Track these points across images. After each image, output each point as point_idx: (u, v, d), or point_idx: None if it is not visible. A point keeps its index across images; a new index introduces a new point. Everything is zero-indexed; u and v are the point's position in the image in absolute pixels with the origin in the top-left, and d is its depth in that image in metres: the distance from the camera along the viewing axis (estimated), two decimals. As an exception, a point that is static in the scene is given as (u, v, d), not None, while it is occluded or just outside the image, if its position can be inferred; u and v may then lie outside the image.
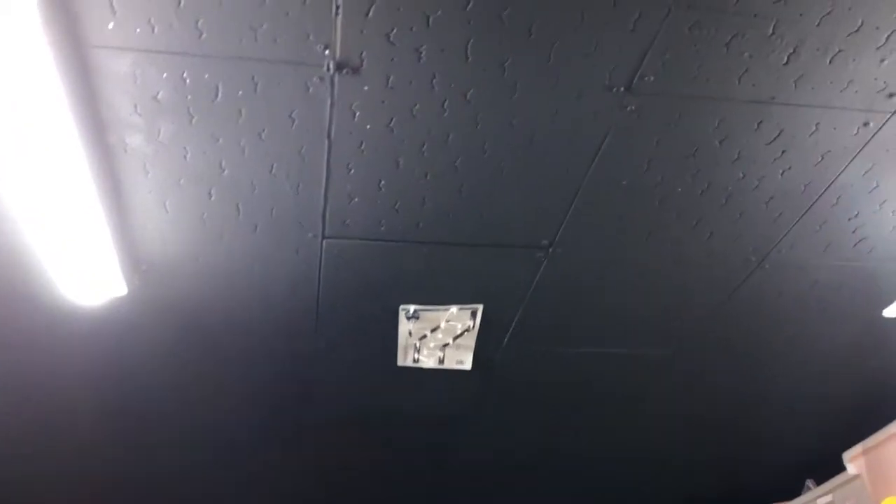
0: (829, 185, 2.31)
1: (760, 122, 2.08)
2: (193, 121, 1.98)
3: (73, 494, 3.79)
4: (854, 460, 3.54)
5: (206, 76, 1.87)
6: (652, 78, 1.93)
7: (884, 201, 2.38)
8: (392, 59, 1.85)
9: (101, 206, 2.17)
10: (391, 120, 2.01)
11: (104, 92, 1.89)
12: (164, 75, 1.86)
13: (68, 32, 1.73)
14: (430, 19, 1.76)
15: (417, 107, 1.98)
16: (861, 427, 3.46)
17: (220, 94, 1.92)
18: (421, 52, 1.84)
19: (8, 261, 2.37)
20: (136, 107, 1.93)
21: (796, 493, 4.01)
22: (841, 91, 2.00)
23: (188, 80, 1.87)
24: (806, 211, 2.40)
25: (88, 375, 2.93)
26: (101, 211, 2.18)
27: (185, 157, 2.08)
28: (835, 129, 2.11)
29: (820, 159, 2.21)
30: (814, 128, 2.11)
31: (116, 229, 2.29)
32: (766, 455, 4.09)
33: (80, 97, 1.88)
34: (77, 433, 3.30)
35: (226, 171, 2.14)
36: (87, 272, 2.38)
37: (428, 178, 2.20)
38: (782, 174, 2.26)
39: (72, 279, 2.40)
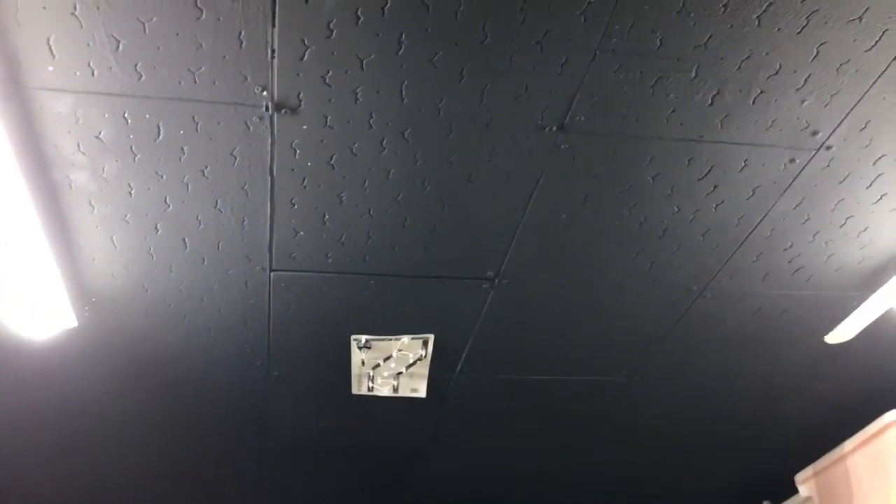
0: (763, 218, 2.38)
1: (691, 158, 2.15)
2: (136, 159, 2.02)
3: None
4: (806, 482, 3.61)
5: (147, 116, 1.91)
6: (583, 118, 2.00)
7: (816, 233, 2.45)
8: (329, 100, 1.91)
9: (49, 241, 2.20)
10: (332, 157, 2.06)
11: (47, 131, 1.93)
12: (106, 115, 1.90)
13: (9, 75, 1.77)
14: (364, 63, 1.82)
15: (357, 144, 2.03)
16: (815, 448, 3.55)
17: (161, 133, 1.96)
18: (357, 93, 1.90)
19: (-44, 294, 2.38)
20: (79, 145, 1.97)
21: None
22: (766, 129, 2.07)
23: (129, 120, 1.92)
24: (742, 243, 2.48)
25: (41, 407, 2.93)
26: (49, 246, 2.21)
27: (129, 193, 2.12)
28: (763, 165, 2.19)
29: (751, 193, 2.29)
30: (743, 164, 2.18)
31: (65, 263, 2.32)
32: (724, 476, 4.14)
33: (23, 136, 1.92)
34: (31, 467, 3.28)
35: (171, 207, 2.18)
36: (36, 306, 2.40)
37: (371, 212, 2.25)
38: (716, 208, 2.33)
39: (22, 314, 2.42)
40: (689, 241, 2.46)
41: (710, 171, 2.20)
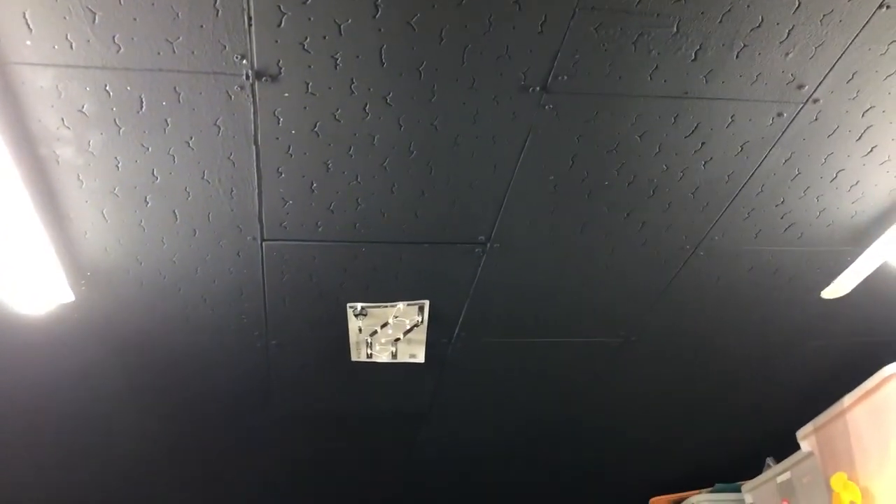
0: (752, 174, 2.37)
1: (677, 115, 2.14)
2: (121, 132, 2.03)
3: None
4: (807, 438, 3.63)
5: (129, 88, 1.91)
6: (566, 77, 1.99)
7: (807, 188, 2.44)
8: (309, 66, 1.90)
9: (40, 217, 2.22)
10: (315, 124, 2.06)
11: (31, 107, 1.93)
12: (87, 89, 1.90)
13: (-12, 51, 1.78)
14: (342, 27, 1.81)
15: (339, 111, 2.03)
16: (816, 404, 3.55)
17: (144, 106, 1.96)
18: (337, 59, 1.89)
19: (-47, 272, 2.41)
20: (63, 120, 1.97)
21: (758, 472, 4.11)
22: (751, 84, 2.06)
23: (111, 93, 1.92)
24: (732, 199, 2.47)
25: (41, 382, 2.97)
26: (40, 222, 2.23)
27: (116, 166, 2.13)
28: (750, 120, 2.17)
29: (739, 150, 2.27)
30: (730, 119, 2.17)
31: (57, 239, 2.34)
32: (726, 435, 4.18)
33: (7, 113, 1.93)
34: (30, 441, 3.34)
35: (158, 179, 2.19)
36: (32, 282, 2.42)
37: (358, 179, 2.25)
38: (704, 165, 2.32)
39: (18, 290, 2.44)
40: (679, 200, 2.45)
41: (696, 127, 2.18)
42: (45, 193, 2.18)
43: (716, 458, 4.39)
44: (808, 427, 3.59)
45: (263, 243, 2.46)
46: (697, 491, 4.06)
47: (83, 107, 1.95)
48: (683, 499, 4.13)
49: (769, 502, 3.54)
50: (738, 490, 3.92)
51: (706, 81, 2.04)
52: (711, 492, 4.01)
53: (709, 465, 4.45)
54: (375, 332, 3.00)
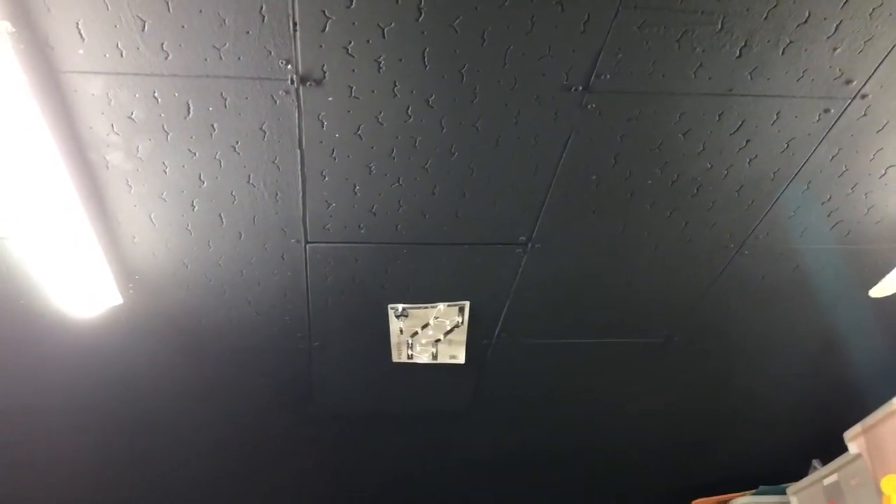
0: (798, 172, 2.34)
1: (721, 113, 2.12)
2: (169, 137, 2.06)
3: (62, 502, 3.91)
4: (855, 439, 3.56)
5: (176, 94, 1.95)
6: (608, 76, 1.98)
7: (855, 184, 2.40)
8: (353, 70, 1.92)
9: (90, 221, 2.27)
10: (359, 127, 2.08)
11: (82, 114, 1.98)
12: (137, 95, 1.94)
13: (42, 61, 1.82)
14: (385, 31, 1.83)
15: (382, 114, 2.04)
16: (864, 405, 3.49)
17: (191, 111, 2.00)
18: (380, 63, 1.91)
19: (8, 278, 2.48)
20: (112, 126, 2.02)
21: (804, 474, 4.04)
22: (797, 80, 2.03)
23: (160, 99, 1.96)
24: (778, 197, 2.44)
25: (90, 385, 3.04)
26: (90, 226, 2.28)
27: (164, 171, 2.17)
28: (796, 117, 2.14)
29: (785, 146, 2.24)
30: (775, 116, 2.14)
31: (107, 242, 2.39)
32: (771, 437, 4.11)
33: (59, 120, 1.97)
34: (81, 441, 3.41)
35: (205, 184, 2.22)
36: (82, 285, 2.48)
37: (400, 181, 2.27)
38: (749, 163, 2.29)
39: (69, 293, 2.50)
40: (723, 198, 2.43)
41: (741, 125, 2.16)
42: (95, 198, 2.23)
43: (759, 460, 4.32)
44: (857, 428, 3.53)
45: (307, 246, 2.49)
46: (741, 493, 4.02)
47: (132, 113, 1.99)
48: (726, 501, 4.08)
49: (816, 505, 3.49)
50: (783, 493, 3.86)
51: (751, 78, 2.02)
52: (755, 494, 3.96)
53: (752, 467, 4.38)
54: (416, 333, 3.01)
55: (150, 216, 2.32)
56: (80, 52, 1.82)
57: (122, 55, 1.83)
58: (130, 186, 2.21)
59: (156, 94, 1.94)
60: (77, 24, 1.75)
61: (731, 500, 4.05)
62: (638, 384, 3.48)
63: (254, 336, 2.89)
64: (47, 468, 3.55)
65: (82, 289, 2.49)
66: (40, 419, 3.20)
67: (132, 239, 2.40)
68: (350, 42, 1.85)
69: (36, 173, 2.05)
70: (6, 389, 3.00)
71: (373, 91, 1.98)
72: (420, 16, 1.79)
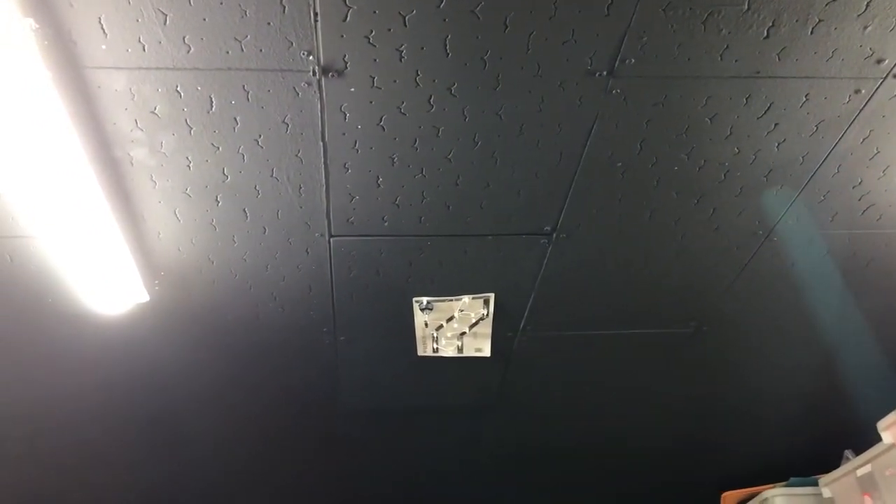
0: (828, 155, 2.30)
1: (749, 96, 2.08)
2: (192, 132, 2.07)
3: (94, 495, 3.93)
4: (889, 429, 3.49)
5: (199, 88, 1.95)
6: (633, 60, 1.95)
7: (887, 167, 2.35)
8: (374, 60, 1.91)
9: (116, 218, 2.28)
10: (381, 118, 2.07)
11: (106, 110, 1.98)
12: (159, 90, 1.94)
13: (66, 57, 1.83)
14: (407, 19, 1.81)
15: (405, 104, 2.03)
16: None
17: (214, 105, 2.00)
18: (402, 52, 1.89)
19: (35, 277, 2.50)
20: (136, 122, 2.02)
21: (836, 465, 3.98)
22: (827, 60, 1.99)
23: (182, 94, 1.96)
24: (807, 182, 2.39)
25: (117, 380, 3.06)
26: (116, 223, 2.29)
27: (188, 166, 2.17)
28: (826, 98, 2.10)
29: (815, 129, 2.20)
30: (804, 98, 2.10)
31: (132, 239, 2.40)
32: (801, 427, 4.05)
33: (83, 116, 1.98)
34: (112, 436, 3.44)
35: (229, 178, 2.22)
36: (109, 283, 2.49)
37: (424, 172, 2.25)
38: (778, 146, 2.25)
39: (95, 291, 2.51)
40: (751, 183, 2.39)
41: (769, 108, 2.12)
42: (120, 195, 2.24)
43: (790, 451, 4.26)
44: (891, 417, 3.46)
45: (331, 239, 2.48)
46: (771, 485, 3.96)
47: (155, 108, 1.99)
48: (756, 493, 4.02)
49: (849, 497, 3.43)
50: (815, 484, 3.80)
51: (779, 59, 1.98)
52: (786, 486, 3.90)
53: (782, 458, 4.32)
54: (441, 326, 3.00)
55: (174, 212, 2.32)
56: (103, 47, 1.82)
57: (144, 49, 1.83)
58: (155, 182, 2.21)
59: (178, 89, 1.94)
60: (99, 18, 1.75)
61: (760, 492, 3.99)
62: (666, 375, 3.44)
63: (279, 331, 2.90)
64: (75, 463, 3.58)
65: (109, 286, 2.51)
66: (68, 414, 3.23)
67: (157, 235, 2.41)
68: (371, 31, 1.83)
69: (61, 172, 2.07)
70: (35, 385, 3.03)
71: (395, 81, 1.97)
72: (441, 2, 1.77)
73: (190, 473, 3.83)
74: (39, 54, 1.77)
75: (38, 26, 1.73)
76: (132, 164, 2.15)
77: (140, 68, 1.88)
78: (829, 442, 4.07)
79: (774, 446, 4.21)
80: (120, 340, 2.83)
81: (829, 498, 3.67)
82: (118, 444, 3.49)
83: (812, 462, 4.18)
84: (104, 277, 2.47)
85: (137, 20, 1.76)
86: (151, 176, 2.19)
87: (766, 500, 3.89)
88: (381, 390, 3.40)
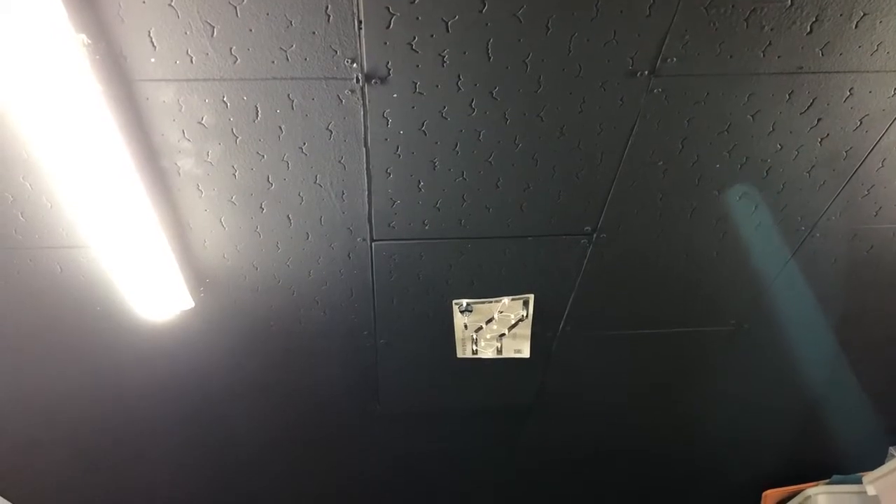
0: (872, 149, 2.27)
1: (791, 92, 2.07)
2: (238, 141, 2.10)
3: (144, 498, 3.99)
4: (935, 425, 3.46)
5: (245, 98, 1.98)
6: (675, 60, 1.95)
7: (932, 160, 2.33)
8: (417, 66, 1.93)
9: (162, 227, 2.32)
10: (423, 123, 2.09)
11: (153, 121, 2.02)
12: (206, 101, 1.98)
13: (116, 71, 1.87)
14: (449, 25, 1.83)
15: (446, 108, 2.05)
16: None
17: (259, 114, 2.03)
18: (444, 57, 1.91)
19: (85, 285, 2.55)
20: (183, 132, 2.06)
21: (880, 462, 3.93)
22: (871, 54, 1.97)
23: (228, 104, 1.99)
24: (850, 177, 2.37)
25: (163, 386, 3.10)
26: (163, 232, 2.33)
27: (234, 175, 2.21)
28: (870, 92, 2.08)
29: (858, 124, 2.18)
30: (848, 93, 2.08)
31: (179, 248, 2.44)
32: (844, 425, 4.00)
33: (132, 128, 2.02)
34: (154, 440, 3.49)
35: (273, 186, 2.26)
36: (156, 291, 2.53)
37: (464, 175, 2.27)
38: (821, 142, 2.24)
39: (143, 299, 2.56)
40: (794, 180, 2.37)
41: (812, 103, 2.11)
42: (168, 205, 2.28)
43: (833, 449, 4.21)
44: (937, 413, 3.42)
45: (373, 244, 2.51)
46: (814, 483, 3.92)
47: (202, 119, 2.03)
48: (799, 491, 3.99)
49: (895, 494, 3.38)
50: (859, 482, 3.76)
51: (822, 55, 1.97)
52: (829, 483, 3.86)
53: (825, 456, 4.28)
54: (481, 328, 3.01)
55: (220, 220, 2.36)
56: (152, 60, 1.86)
57: (191, 61, 1.87)
58: (201, 191, 2.25)
59: (225, 99, 1.98)
60: (149, 32, 1.79)
61: (803, 490, 3.96)
62: (706, 374, 3.42)
63: (322, 336, 2.93)
64: (124, 466, 3.63)
65: (155, 294, 2.55)
66: (115, 419, 3.28)
67: (203, 243, 2.44)
68: (414, 38, 1.85)
69: (110, 183, 2.11)
70: (85, 392, 3.08)
71: (437, 86, 1.99)
72: (484, 7, 1.79)
73: (232, 476, 3.88)
74: (91, 69, 1.82)
75: (90, 42, 1.78)
76: (179, 174, 2.19)
77: (188, 80, 1.92)
78: (874, 439, 4.02)
79: (818, 444, 4.16)
80: (165, 347, 2.88)
81: (874, 496, 3.62)
82: (162, 447, 3.53)
83: (856, 460, 4.14)
84: (151, 285, 2.51)
85: (186, 33, 1.80)
86: (198, 185, 2.23)
87: (808, 498, 3.86)
88: (421, 393, 3.42)
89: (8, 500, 3.78)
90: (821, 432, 4.07)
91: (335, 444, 3.70)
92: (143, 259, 2.40)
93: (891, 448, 3.98)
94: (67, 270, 2.48)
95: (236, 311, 2.75)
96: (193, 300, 2.65)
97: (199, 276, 2.58)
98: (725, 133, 2.18)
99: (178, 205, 2.30)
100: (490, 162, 2.23)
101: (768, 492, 4.23)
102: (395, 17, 1.80)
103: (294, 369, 3.10)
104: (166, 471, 3.73)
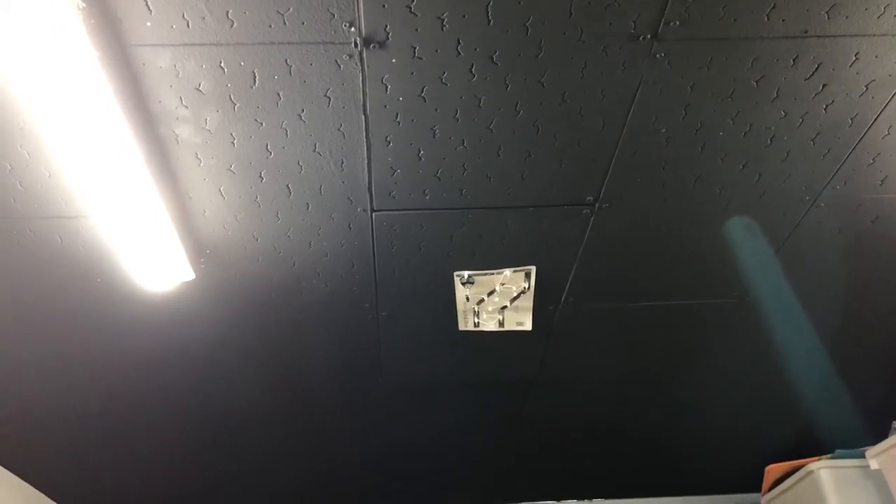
0: (878, 116, 2.24)
1: (796, 57, 2.04)
2: (236, 108, 2.08)
3: (144, 469, 4.01)
4: (939, 399, 3.44)
5: (242, 63, 1.96)
6: (677, 23, 1.92)
7: (939, 127, 2.30)
8: (416, 30, 1.90)
9: (162, 197, 2.31)
10: (422, 89, 2.06)
11: (151, 88, 2.01)
12: (203, 66, 1.96)
13: (112, 35, 1.85)
14: (448, -14, 1.80)
15: (446, 74, 2.02)
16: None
17: (257, 80, 2.01)
18: (443, 20, 1.88)
19: (86, 256, 2.54)
20: (181, 99, 2.04)
21: (883, 436, 3.92)
22: (878, 17, 1.94)
23: (226, 69, 1.97)
24: (856, 144, 2.34)
25: (163, 357, 3.10)
26: (162, 202, 2.32)
27: (232, 143, 2.19)
28: (876, 56, 2.05)
29: (864, 90, 2.15)
30: (853, 58, 2.05)
31: (179, 218, 2.43)
32: (846, 398, 3.99)
33: (129, 95, 2.01)
34: (153, 412, 3.50)
35: (272, 154, 2.24)
36: (156, 261, 2.53)
37: (465, 144, 2.25)
38: (826, 109, 2.21)
39: (143, 269, 2.55)
40: (798, 148, 2.35)
41: (817, 68, 2.08)
42: (166, 173, 2.27)
43: (835, 423, 4.21)
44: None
45: (373, 214, 2.49)
46: (816, 458, 3.91)
47: (200, 85, 2.01)
48: (801, 466, 3.99)
49: (899, 467, 3.38)
50: (862, 456, 3.75)
51: (828, 18, 1.94)
52: (832, 458, 3.86)
53: (828, 430, 4.27)
54: (482, 300, 3.00)
55: (219, 189, 2.35)
56: (148, 24, 1.84)
57: (188, 26, 1.85)
58: (200, 160, 2.24)
59: (222, 64, 1.96)
60: (144, -5, 1.77)
61: (805, 464, 3.95)
62: (709, 347, 3.41)
63: (323, 308, 2.92)
64: (123, 436, 3.65)
65: (155, 265, 2.54)
66: (116, 390, 3.28)
67: (203, 213, 2.43)
68: (413, 0, 1.83)
69: (109, 152, 2.10)
70: (84, 362, 3.09)
71: (436, 51, 1.96)
72: (483, -32, 1.76)
73: (230, 448, 3.89)
74: (87, 34, 1.80)
75: (84, 5, 1.75)
76: (177, 142, 2.17)
77: (184, 45, 1.90)
78: (877, 413, 4.02)
79: (820, 418, 4.15)
80: (165, 318, 2.87)
81: (877, 470, 3.62)
82: (162, 418, 3.54)
83: (859, 434, 4.13)
84: (151, 256, 2.51)
85: (181, -4, 1.78)
86: (196, 154, 2.21)
87: (811, 472, 3.86)
88: (423, 365, 3.41)
89: (7, 469, 3.81)
90: (824, 407, 4.06)
91: (336, 416, 3.70)
92: (143, 229, 2.39)
93: (894, 422, 3.97)
94: (67, 241, 2.47)
95: (236, 282, 2.74)
96: (194, 271, 2.64)
97: (199, 247, 2.57)
98: (729, 99, 2.16)
99: (177, 174, 2.28)
100: (491, 129, 2.21)
101: (771, 466, 4.23)
102: (393, -21, 1.77)
103: (295, 341, 3.10)
104: (164, 441, 3.74)
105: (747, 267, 2.89)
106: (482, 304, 3.02)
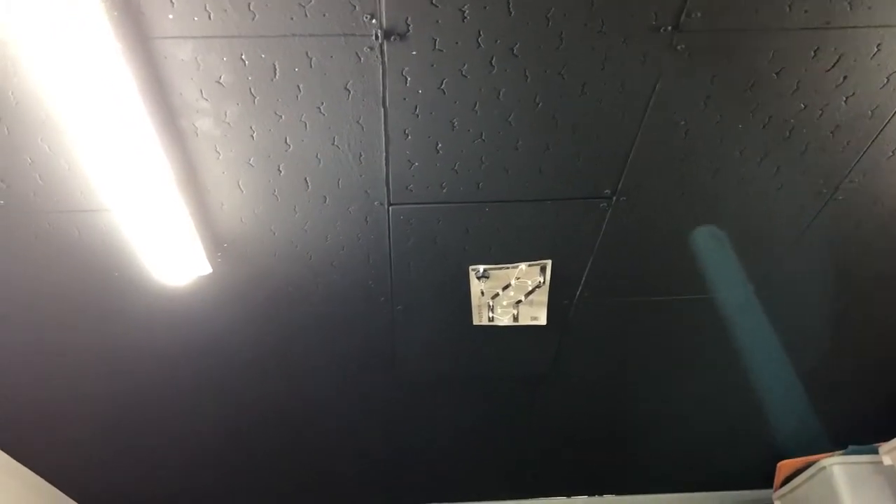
0: (899, 108, 2.24)
1: (817, 48, 2.03)
2: (256, 101, 2.08)
3: (158, 464, 4.03)
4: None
5: (263, 56, 1.96)
6: (699, 14, 1.92)
7: (960, 120, 2.29)
8: (437, 22, 1.90)
9: (181, 190, 2.31)
10: (442, 82, 2.06)
11: (171, 80, 2.01)
12: (224, 59, 1.96)
13: (133, 27, 1.86)
14: (470, -22, 1.80)
15: (466, 66, 2.02)
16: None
17: (277, 73, 2.01)
18: (464, 11, 1.88)
19: (103, 250, 2.55)
20: (201, 91, 2.04)
21: (896, 432, 3.92)
22: (901, 7, 1.93)
23: (247, 62, 1.97)
24: (875, 137, 2.33)
25: (179, 351, 3.11)
26: (181, 195, 2.32)
27: (251, 136, 2.19)
28: (898, 48, 2.05)
29: (885, 81, 2.15)
30: (875, 49, 2.04)
31: (197, 211, 2.43)
32: (860, 393, 3.98)
33: (150, 87, 2.01)
34: (169, 405, 3.51)
35: (291, 147, 2.24)
36: (174, 255, 2.53)
37: (483, 136, 2.24)
38: (846, 101, 2.20)
39: (160, 264, 2.55)
40: (817, 140, 2.34)
41: (838, 60, 2.07)
42: (186, 166, 2.27)
43: (848, 418, 4.19)
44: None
45: (390, 207, 2.49)
46: (829, 454, 3.91)
47: (220, 77, 2.01)
48: (813, 462, 3.98)
49: (914, 463, 3.38)
50: (875, 452, 3.75)
51: (850, 8, 1.93)
52: (844, 454, 3.85)
53: (841, 425, 4.26)
54: (497, 294, 3.00)
55: (238, 182, 2.35)
56: (170, 16, 1.84)
57: (210, 18, 1.85)
58: (219, 153, 2.24)
59: (243, 57, 1.96)
60: (167, -13, 1.77)
61: (818, 460, 3.95)
62: (725, 342, 3.40)
63: (338, 301, 2.92)
64: (138, 430, 3.67)
65: (174, 258, 2.55)
66: (131, 384, 3.30)
67: (221, 206, 2.44)
68: (434, -9, 1.83)
69: (129, 145, 2.10)
70: (102, 356, 3.10)
71: (457, 43, 1.96)
72: (506, -41, 1.76)
73: (246, 442, 3.90)
74: (110, 26, 1.80)
75: (108, -3, 1.76)
76: (197, 135, 2.18)
77: (206, 37, 1.90)
78: (891, 409, 4.00)
79: (833, 413, 4.14)
80: (182, 312, 2.88)
81: (890, 466, 3.62)
82: (177, 412, 3.56)
83: (871, 429, 4.12)
84: (168, 250, 2.51)
85: (204, -12, 1.78)
86: (216, 146, 2.22)
87: (823, 468, 3.85)
88: (437, 359, 3.41)
89: (21, 464, 3.83)
90: (838, 402, 4.05)
91: (351, 409, 3.71)
92: (162, 223, 2.39)
93: (908, 418, 3.96)
94: (85, 234, 2.48)
95: (253, 276, 2.75)
96: (211, 266, 2.64)
97: (216, 241, 2.58)
98: (749, 91, 2.15)
99: (196, 167, 2.28)
100: (510, 122, 2.20)
101: (783, 462, 4.23)
102: (415, -29, 1.77)
103: (310, 335, 3.10)
104: (178, 435, 3.75)
105: (764, 261, 2.89)
106: (497, 299, 3.02)
